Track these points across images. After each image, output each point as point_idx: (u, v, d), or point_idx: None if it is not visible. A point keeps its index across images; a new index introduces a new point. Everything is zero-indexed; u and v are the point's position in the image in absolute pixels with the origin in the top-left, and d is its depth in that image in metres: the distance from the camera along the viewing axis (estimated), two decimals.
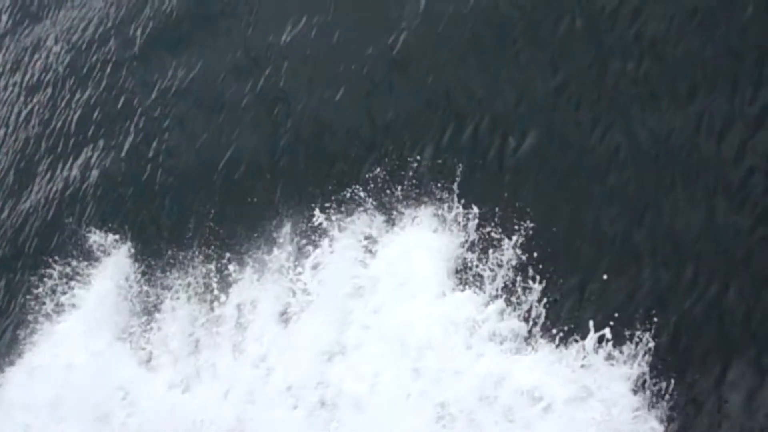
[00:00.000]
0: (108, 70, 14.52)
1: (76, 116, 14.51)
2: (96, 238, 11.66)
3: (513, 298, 7.79)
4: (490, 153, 8.81)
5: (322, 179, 9.93)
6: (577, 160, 8.20)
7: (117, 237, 11.56)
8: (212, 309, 9.88)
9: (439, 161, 9.10)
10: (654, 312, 7.01)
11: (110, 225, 11.91)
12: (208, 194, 11.21)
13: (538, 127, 8.63)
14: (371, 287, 8.68)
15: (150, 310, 10.55)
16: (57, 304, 11.30)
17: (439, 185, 8.81)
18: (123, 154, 12.96)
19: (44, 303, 11.43)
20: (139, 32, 14.39)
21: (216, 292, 9.97)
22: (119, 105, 13.76)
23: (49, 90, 15.68)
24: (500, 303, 7.80)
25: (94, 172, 13.18)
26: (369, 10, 10.90)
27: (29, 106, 15.90)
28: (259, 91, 11.61)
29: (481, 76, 9.37)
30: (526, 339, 7.56)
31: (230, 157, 11.36)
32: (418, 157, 9.28)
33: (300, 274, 9.26)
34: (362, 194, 9.28)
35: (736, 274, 6.76)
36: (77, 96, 14.82)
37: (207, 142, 11.87)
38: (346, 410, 8.11)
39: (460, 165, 8.86)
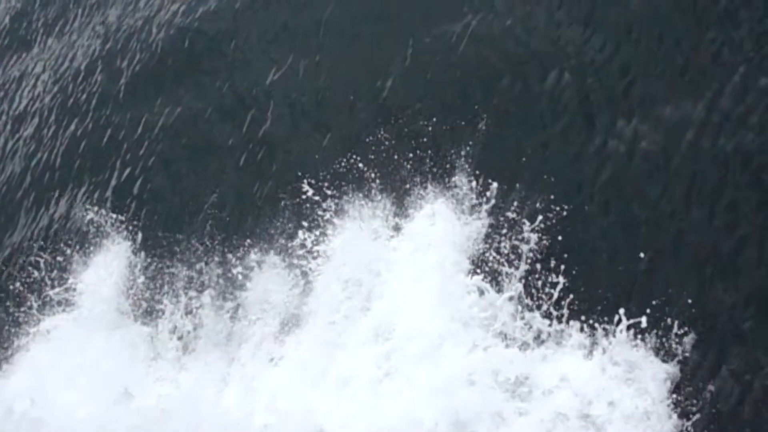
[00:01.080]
0: (94, 102, 14.29)
1: (62, 149, 14.30)
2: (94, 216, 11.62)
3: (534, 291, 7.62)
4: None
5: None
6: (563, 220, 7.99)
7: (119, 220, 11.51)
8: (217, 303, 9.76)
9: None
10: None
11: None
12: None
13: (524, 181, 8.43)
14: (380, 281, 8.53)
15: (155, 301, 10.34)
16: (50, 300, 11.12)
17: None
18: (108, 192, 12.76)
19: (42, 295, 11.27)
20: (125, 65, 14.17)
21: (223, 285, 9.85)
22: (105, 140, 13.54)
23: (36, 120, 15.47)
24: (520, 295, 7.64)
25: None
26: (356, 53, 10.71)
27: (15, 137, 15.69)
28: (244, 132, 11.39)
29: (468, 126, 9.15)
30: (549, 333, 7.38)
31: (215, 198, 11.16)
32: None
33: (302, 272, 9.13)
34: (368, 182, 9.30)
35: (730, 353, 6.53)
36: (63, 128, 14.61)
37: (191, 182, 11.66)
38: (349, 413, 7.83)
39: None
